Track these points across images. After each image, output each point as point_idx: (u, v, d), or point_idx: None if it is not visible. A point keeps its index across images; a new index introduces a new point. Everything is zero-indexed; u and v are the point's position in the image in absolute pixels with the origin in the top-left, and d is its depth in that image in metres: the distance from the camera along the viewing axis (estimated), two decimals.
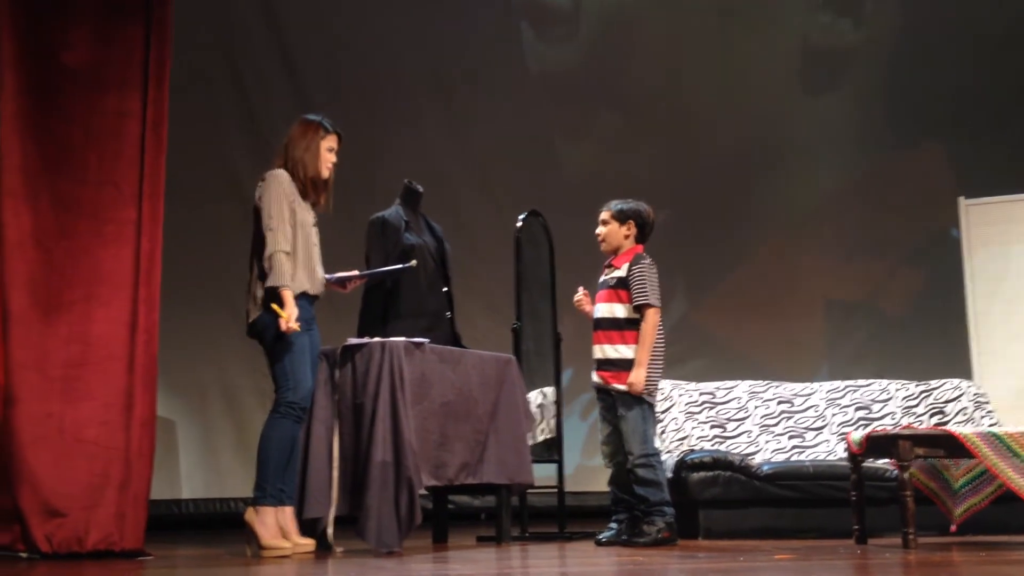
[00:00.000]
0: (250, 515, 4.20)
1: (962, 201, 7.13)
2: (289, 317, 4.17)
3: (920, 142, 8.29)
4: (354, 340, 4.51)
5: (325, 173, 4.47)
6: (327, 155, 4.47)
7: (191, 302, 7.19)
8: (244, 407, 7.36)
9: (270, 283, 4.22)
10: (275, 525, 4.19)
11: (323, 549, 4.31)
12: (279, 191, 4.31)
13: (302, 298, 4.30)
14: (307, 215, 4.41)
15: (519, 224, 5.65)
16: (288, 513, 4.26)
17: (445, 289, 5.22)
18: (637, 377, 4.61)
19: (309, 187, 4.43)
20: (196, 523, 7.12)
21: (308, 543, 4.24)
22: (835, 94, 8.35)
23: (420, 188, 5.27)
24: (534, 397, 5.45)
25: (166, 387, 6.78)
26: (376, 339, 4.48)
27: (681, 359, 7.31)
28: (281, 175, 4.36)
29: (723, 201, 8.05)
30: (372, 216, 5.14)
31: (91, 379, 4.32)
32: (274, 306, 4.21)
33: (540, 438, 5.50)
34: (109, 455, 4.25)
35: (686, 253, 7.74)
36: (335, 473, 4.37)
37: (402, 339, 4.46)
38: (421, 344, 4.52)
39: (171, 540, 5.72)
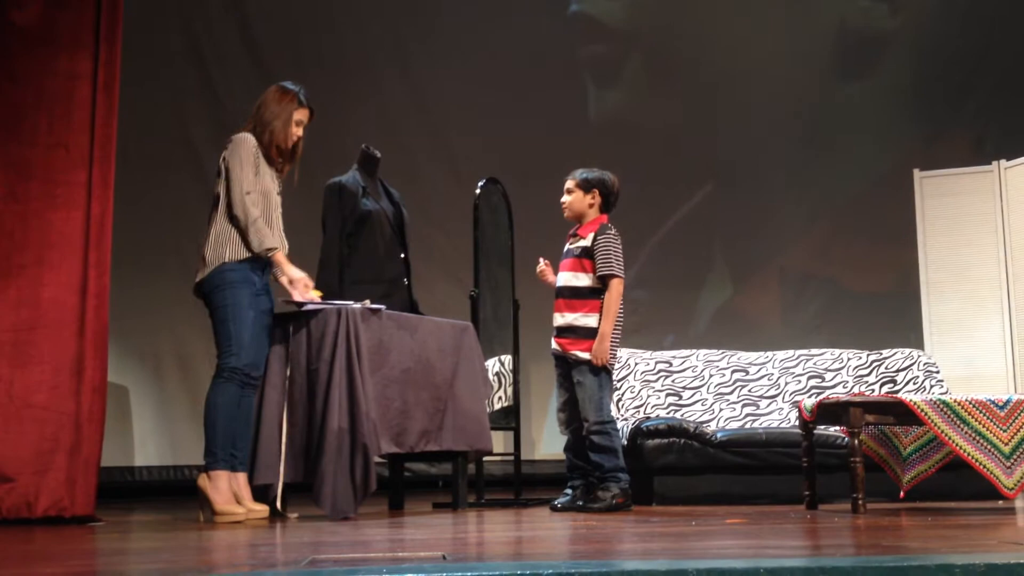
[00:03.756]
0: (203, 481, 4.18)
1: (916, 173, 7.21)
2: (307, 285, 4.33)
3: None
4: (310, 305, 4.47)
5: (288, 145, 4.44)
6: (294, 127, 4.44)
7: (145, 267, 7.12)
8: (199, 374, 7.29)
9: (260, 248, 4.24)
10: (228, 490, 4.17)
11: (274, 516, 4.29)
12: (247, 156, 4.30)
13: (255, 262, 4.28)
14: (271, 183, 4.40)
15: (478, 191, 5.63)
16: (241, 479, 4.24)
17: (403, 256, 5.20)
18: (600, 348, 4.62)
19: (274, 154, 4.41)
20: (150, 490, 7.08)
21: (262, 509, 4.22)
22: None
23: (378, 153, 5.23)
24: (492, 365, 5.46)
25: (120, 353, 6.71)
26: (331, 304, 4.44)
27: (637, 329, 7.36)
28: (248, 140, 4.35)
29: (686, 165, 8.08)
30: (329, 181, 5.09)
31: (41, 344, 4.26)
32: (317, 293, 4.37)
33: (497, 406, 5.51)
34: (59, 420, 4.20)
35: (644, 219, 7.76)
36: (283, 439, 4.34)
37: (358, 305, 4.43)
38: (378, 310, 4.50)
39: (124, 507, 5.68)
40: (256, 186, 4.29)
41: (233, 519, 4.09)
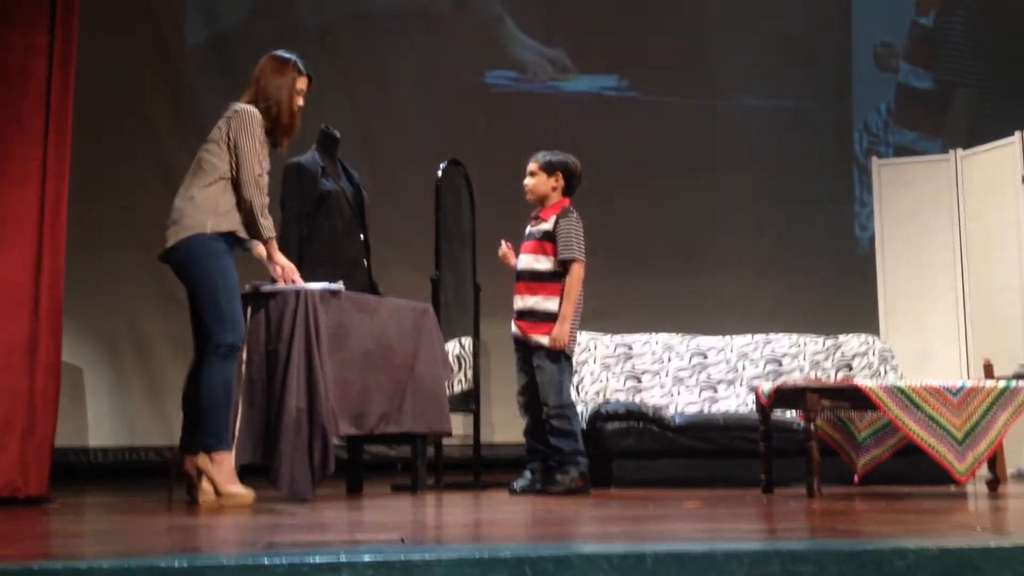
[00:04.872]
0: (204, 462, 3.99)
1: (875, 161, 7.30)
2: (289, 271, 4.27)
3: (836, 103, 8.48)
4: (268, 287, 4.43)
5: (292, 118, 4.29)
6: (297, 97, 4.30)
7: (100, 245, 7.02)
8: (155, 355, 7.24)
9: (266, 234, 4.15)
10: (232, 471, 4.03)
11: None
12: (260, 133, 4.14)
13: (230, 237, 4.13)
14: (267, 163, 4.23)
15: (440, 173, 5.61)
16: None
17: (362, 236, 5.17)
18: (560, 332, 4.63)
19: (279, 129, 4.25)
20: (104, 472, 7.00)
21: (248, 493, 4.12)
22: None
23: (337, 134, 5.19)
24: (452, 347, 5.45)
25: (75, 333, 6.62)
26: (291, 285, 4.40)
27: (599, 313, 7.38)
28: (257, 115, 4.16)
29: (646, 152, 8.11)
30: (288, 161, 5.04)
31: None
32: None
33: (457, 389, 5.50)
34: (12, 400, 4.13)
35: (606, 204, 7.77)
36: (238, 421, 4.28)
37: (318, 286, 4.40)
38: (337, 292, 4.46)
39: (78, 488, 5.61)
40: (266, 167, 4.16)
41: (240, 501, 3.96)
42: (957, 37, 8.64)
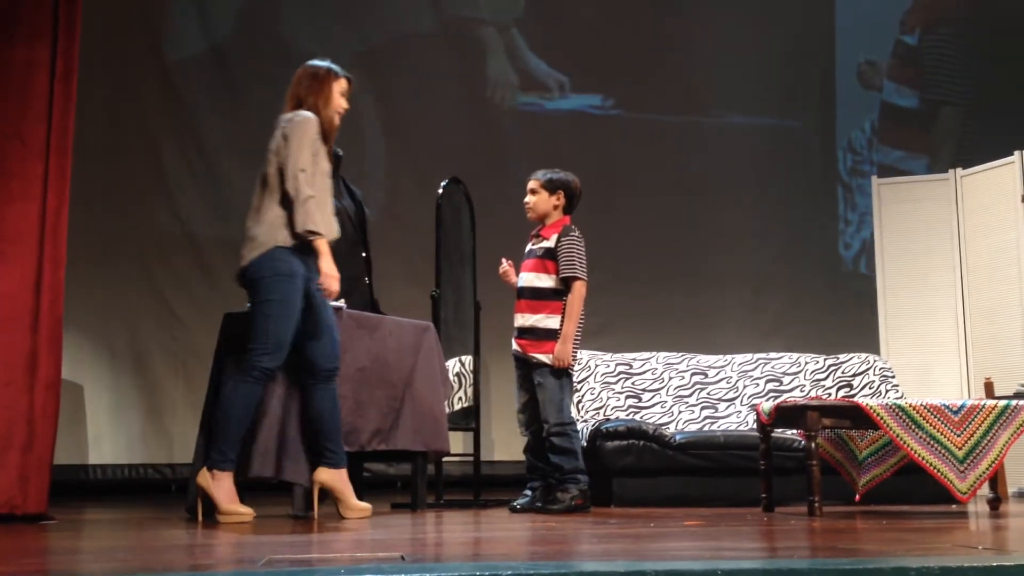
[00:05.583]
0: (204, 478, 4.00)
1: (875, 180, 7.31)
2: (326, 279, 4.03)
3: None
4: None
5: (336, 120, 4.29)
6: (340, 100, 4.30)
7: (101, 262, 7.03)
8: (155, 371, 7.23)
9: (302, 228, 4.00)
10: (232, 490, 4.02)
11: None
12: (310, 134, 4.10)
13: (303, 250, 4.07)
14: (326, 164, 4.21)
15: (440, 191, 5.62)
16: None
17: (364, 254, 5.17)
18: (563, 351, 4.62)
19: (330, 134, 4.25)
20: (103, 489, 6.99)
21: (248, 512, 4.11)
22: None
23: (340, 152, 5.20)
24: (452, 365, 5.44)
25: (74, 350, 6.62)
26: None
27: (598, 331, 7.38)
28: (313, 119, 4.15)
29: (641, 169, 8.13)
30: None
31: None
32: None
33: (457, 406, 5.50)
34: (12, 417, 4.13)
35: (603, 223, 7.80)
36: None
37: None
38: (339, 309, 4.47)
39: (77, 505, 5.60)
40: (312, 166, 4.08)
41: (239, 519, 3.95)
42: (941, 56, 8.67)
